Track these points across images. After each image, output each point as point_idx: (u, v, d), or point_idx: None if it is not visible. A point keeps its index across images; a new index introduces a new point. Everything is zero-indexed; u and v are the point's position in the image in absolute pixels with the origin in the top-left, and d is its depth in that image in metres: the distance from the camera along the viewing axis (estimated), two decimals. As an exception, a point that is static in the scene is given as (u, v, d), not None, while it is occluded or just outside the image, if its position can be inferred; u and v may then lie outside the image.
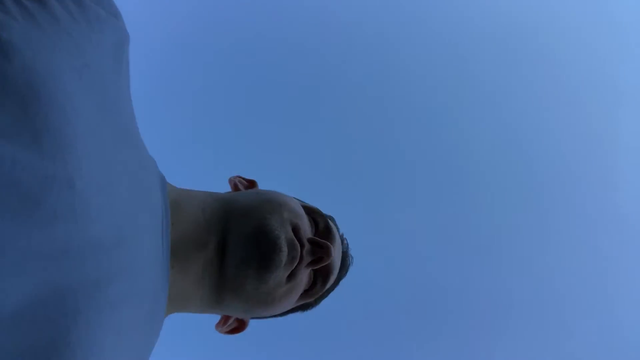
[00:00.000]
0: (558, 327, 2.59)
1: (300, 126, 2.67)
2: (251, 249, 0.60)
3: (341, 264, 0.79)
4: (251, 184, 0.79)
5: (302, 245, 0.63)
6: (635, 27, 2.61)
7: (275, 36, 2.59)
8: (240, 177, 0.79)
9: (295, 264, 0.62)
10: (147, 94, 2.29)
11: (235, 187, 0.77)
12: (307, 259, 0.64)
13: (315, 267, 0.67)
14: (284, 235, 0.61)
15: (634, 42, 2.63)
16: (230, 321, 0.76)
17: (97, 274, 0.41)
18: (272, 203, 0.65)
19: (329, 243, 0.66)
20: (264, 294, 0.62)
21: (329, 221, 0.75)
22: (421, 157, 2.72)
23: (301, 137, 2.65)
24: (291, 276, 0.64)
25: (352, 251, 0.86)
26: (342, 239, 0.82)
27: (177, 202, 0.59)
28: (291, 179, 2.50)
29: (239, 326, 0.77)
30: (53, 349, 0.36)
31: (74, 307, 0.38)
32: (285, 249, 0.61)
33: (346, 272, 0.84)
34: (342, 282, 0.83)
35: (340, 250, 0.78)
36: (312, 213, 0.73)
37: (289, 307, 0.71)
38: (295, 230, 0.64)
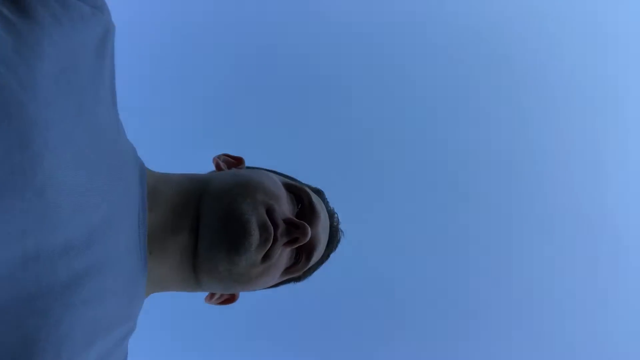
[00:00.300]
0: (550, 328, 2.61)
1: (299, 105, 2.65)
2: (221, 233, 0.61)
3: (330, 238, 0.80)
4: (238, 161, 0.79)
5: (276, 227, 0.64)
6: (636, 27, 2.62)
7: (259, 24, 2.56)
8: (226, 155, 0.79)
9: (269, 245, 0.63)
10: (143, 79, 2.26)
11: (218, 167, 0.76)
12: (283, 239, 0.65)
13: (293, 247, 0.67)
14: (254, 218, 0.62)
15: (634, 42, 2.63)
16: (218, 295, 0.77)
17: (68, 274, 0.43)
18: (246, 185, 0.65)
19: (304, 223, 0.66)
20: (237, 274, 0.63)
21: (313, 198, 0.74)
22: (419, 155, 2.71)
23: (301, 114, 2.64)
24: (266, 257, 0.64)
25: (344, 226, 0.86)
26: (332, 214, 0.82)
27: (155, 188, 0.60)
28: (290, 150, 2.48)
29: (230, 298, 0.78)
30: (23, 345, 0.40)
31: (43, 308, 0.41)
32: (255, 232, 0.61)
33: (336, 247, 0.84)
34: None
35: (327, 226, 0.78)
36: (295, 190, 0.73)
37: (270, 284, 0.73)
38: (270, 211, 0.65)
